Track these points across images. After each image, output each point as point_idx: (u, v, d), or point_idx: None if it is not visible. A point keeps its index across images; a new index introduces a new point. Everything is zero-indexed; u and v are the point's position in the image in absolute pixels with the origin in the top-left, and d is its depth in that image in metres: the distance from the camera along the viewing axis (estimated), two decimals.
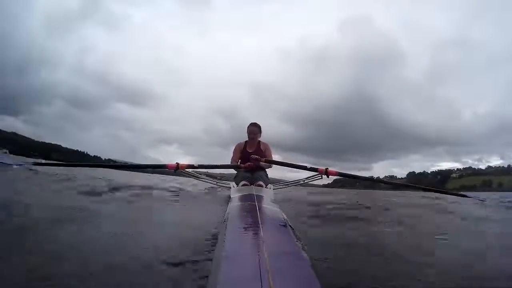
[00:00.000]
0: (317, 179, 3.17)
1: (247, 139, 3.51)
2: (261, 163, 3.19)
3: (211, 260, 0.87)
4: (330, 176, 3.09)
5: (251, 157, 3.14)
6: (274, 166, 3.35)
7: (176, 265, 0.93)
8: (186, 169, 2.97)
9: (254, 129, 3.44)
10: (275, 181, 3.52)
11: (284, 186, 3.68)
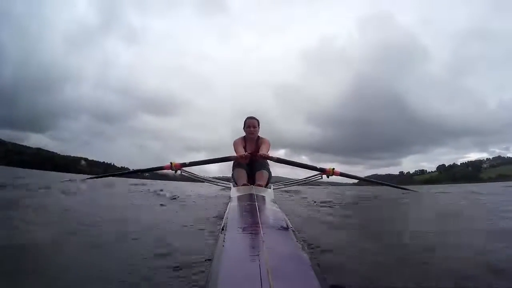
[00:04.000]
0: (317, 179, 3.18)
1: (244, 134, 3.14)
2: (268, 160, 2.90)
3: (211, 260, 0.87)
4: (331, 176, 3.10)
5: (259, 154, 2.78)
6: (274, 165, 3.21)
7: (176, 264, 0.93)
8: (183, 168, 2.98)
9: (254, 121, 3.06)
10: (274, 181, 3.47)
11: (284, 185, 3.68)
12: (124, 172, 3.86)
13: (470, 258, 1.10)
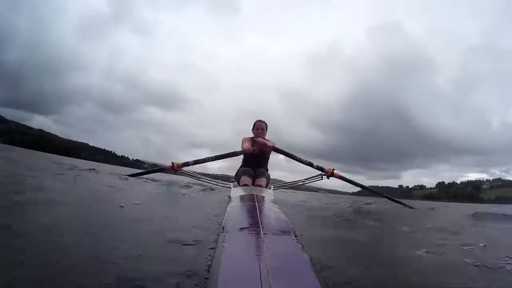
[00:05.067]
0: (317, 180, 3.18)
1: (252, 135, 3.23)
2: (268, 149, 2.99)
3: (211, 260, 0.86)
4: (331, 178, 3.11)
5: (257, 140, 2.94)
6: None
7: (176, 264, 0.91)
8: (183, 168, 2.98)
9: (262, 124, 3.19)
10: (275, 182, 3.49)
11: (284, 186, 3.69)
12: (128, 175, 3.82)
13: None
